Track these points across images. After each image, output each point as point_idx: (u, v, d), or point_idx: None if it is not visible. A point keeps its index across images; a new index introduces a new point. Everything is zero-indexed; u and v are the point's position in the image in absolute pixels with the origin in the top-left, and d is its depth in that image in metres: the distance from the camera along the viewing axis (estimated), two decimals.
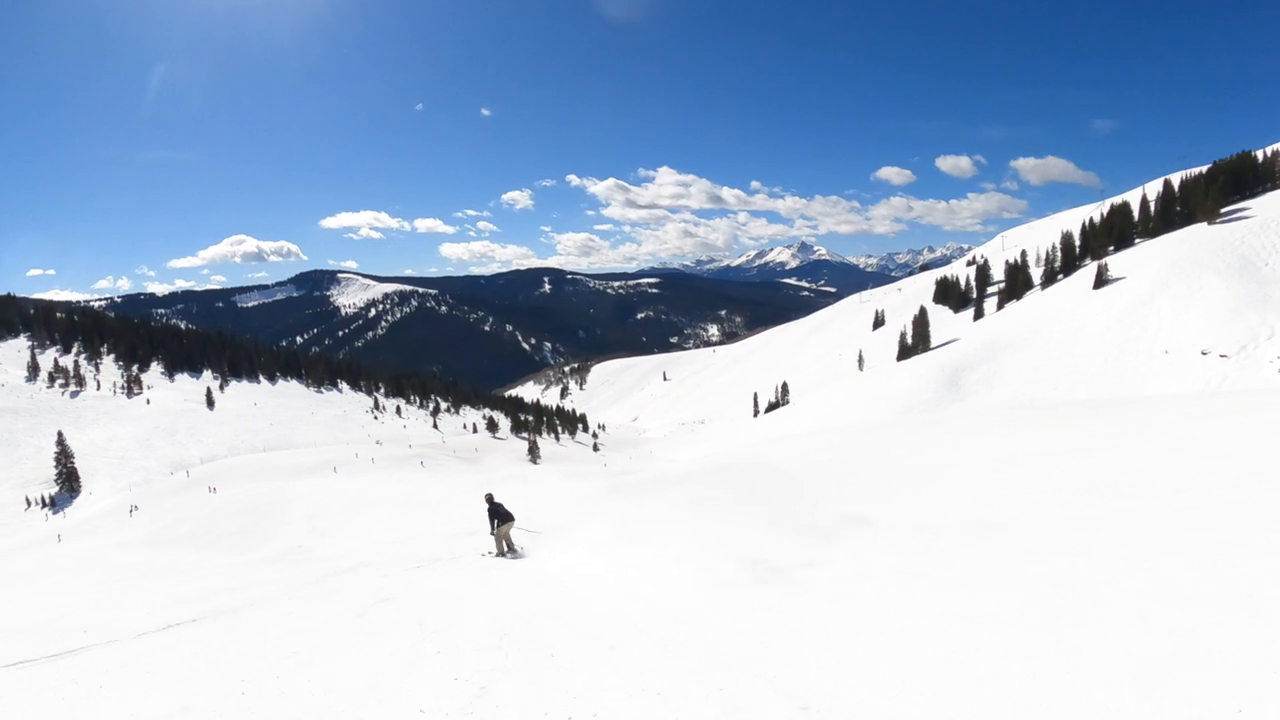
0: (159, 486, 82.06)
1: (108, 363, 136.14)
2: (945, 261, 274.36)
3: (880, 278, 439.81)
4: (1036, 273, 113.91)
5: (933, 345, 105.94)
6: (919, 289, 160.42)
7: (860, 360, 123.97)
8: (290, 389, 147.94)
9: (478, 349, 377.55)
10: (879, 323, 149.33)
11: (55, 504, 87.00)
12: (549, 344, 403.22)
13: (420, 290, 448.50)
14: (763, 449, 31.91)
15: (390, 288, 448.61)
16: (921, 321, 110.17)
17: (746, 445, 67.69)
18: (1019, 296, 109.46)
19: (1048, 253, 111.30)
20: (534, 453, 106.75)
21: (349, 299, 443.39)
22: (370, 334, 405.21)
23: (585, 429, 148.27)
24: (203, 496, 69.03)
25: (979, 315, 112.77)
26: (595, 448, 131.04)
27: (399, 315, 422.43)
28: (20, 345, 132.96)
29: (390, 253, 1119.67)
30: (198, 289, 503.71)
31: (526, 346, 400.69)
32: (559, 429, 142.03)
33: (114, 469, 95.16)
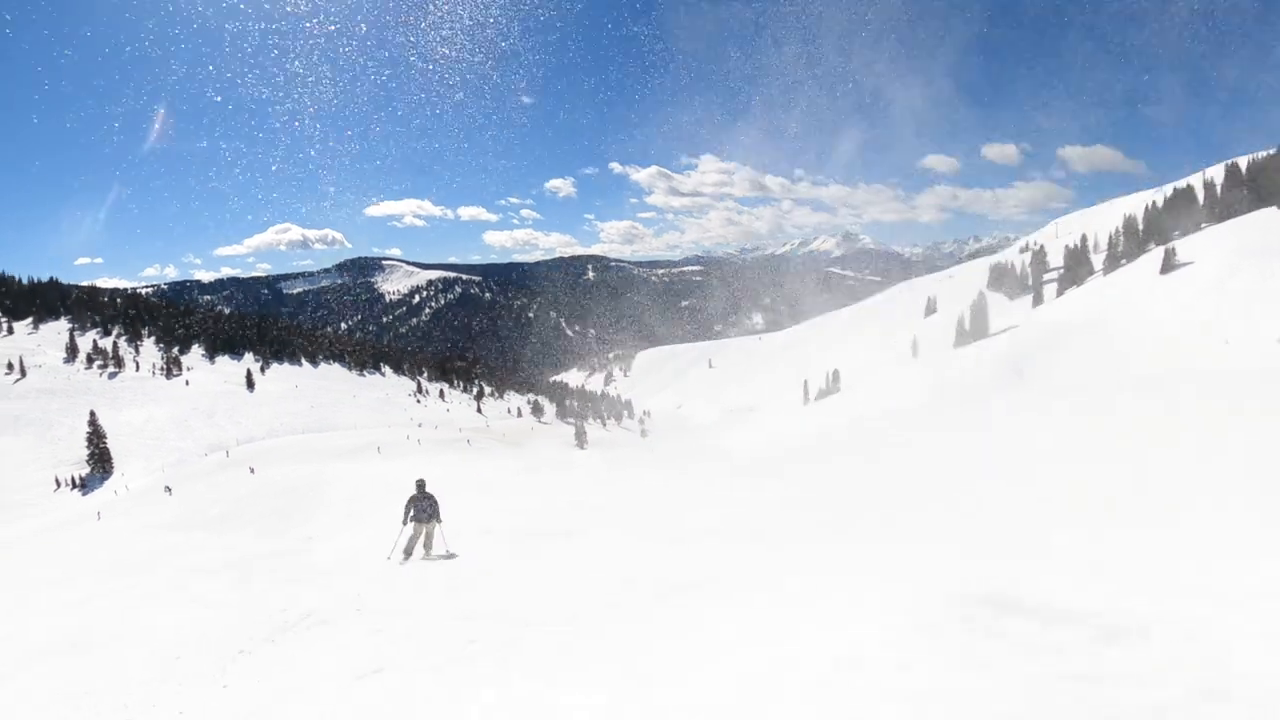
0: (193, 468, 79.19)
1: (148, 345, 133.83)
2: (992, 251, 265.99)
3: (926, 266, 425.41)
4: (1096, 259, 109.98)
5: (991, 332, 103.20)
6: (970, 276, 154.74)
7: (914, 347, 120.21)
8: (332, 372, 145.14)
9: (521, 335, 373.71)
10: (931, 309, 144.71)
11: (86, 485, 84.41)
12: (593, 330, 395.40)
13: (464, 277, 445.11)
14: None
15: (434, 274, 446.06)
16: (980, 307, 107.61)
17: (811, 433, 63.51)
18: (1080, 282, 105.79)
19: (1110, 236, 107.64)
20: (580, 438, 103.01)
21: (393, 286, 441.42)
22: (414, 320, 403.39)
23: (630, 415, 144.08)
24: (237, 478, 65.68)
25: (1038, 301, 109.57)
26: (642, 433, 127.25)
27: (443, 302, 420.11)
28: (61, 328, 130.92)
29: (434, 240, 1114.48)
30: (243, 276, 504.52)
31: (570, 333, 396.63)
32: (604, 415, 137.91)
33: (149, 450, 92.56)
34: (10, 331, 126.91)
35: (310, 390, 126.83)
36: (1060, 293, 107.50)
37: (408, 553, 13.98)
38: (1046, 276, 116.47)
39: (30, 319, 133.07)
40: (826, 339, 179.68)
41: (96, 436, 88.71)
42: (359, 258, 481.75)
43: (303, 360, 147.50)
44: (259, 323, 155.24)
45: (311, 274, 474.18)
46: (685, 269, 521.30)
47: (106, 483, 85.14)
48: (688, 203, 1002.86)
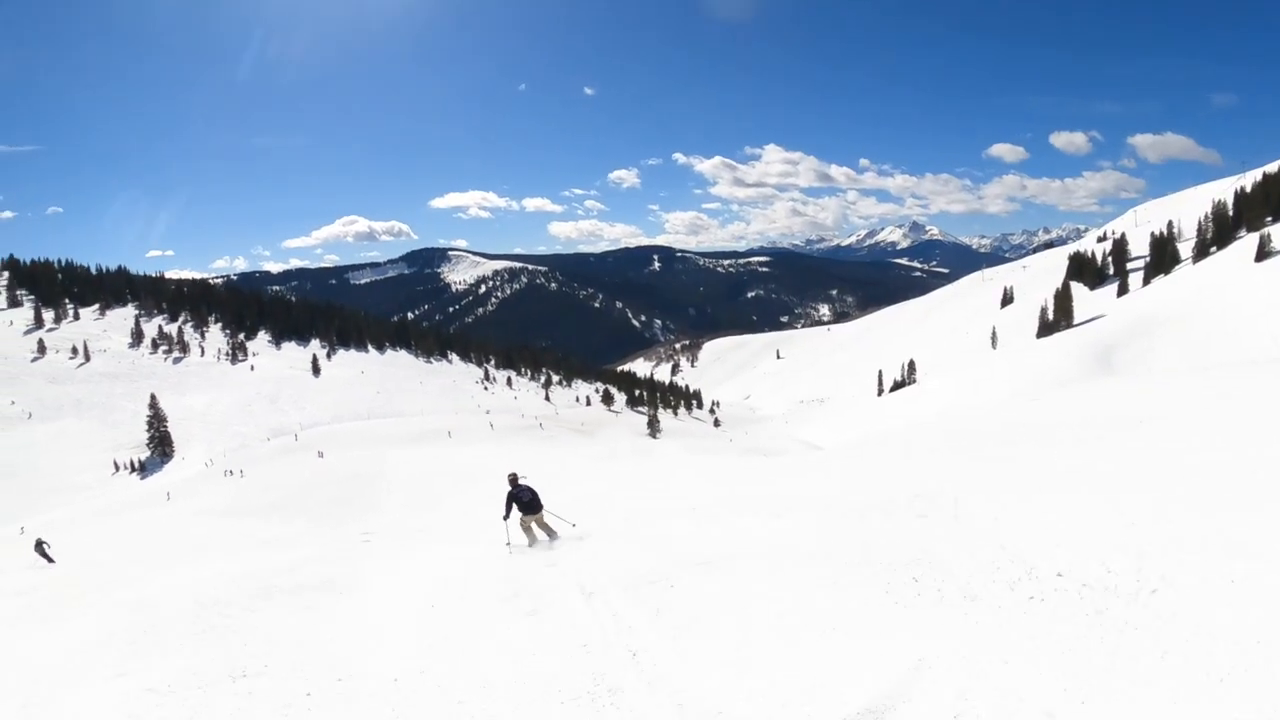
0: (253, 453, 76.80)
1: (214, 331, 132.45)
2: (1063, 242, 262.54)
3: (994, 258, 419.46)
4: (1182, 248, 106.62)
5: (1076, 322, 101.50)
6: (1045, 266, 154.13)
7: (994, 338, 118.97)
8: (399, 359, 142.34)
9: (587, 325, 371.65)
10: (1007, 300, 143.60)
11: (145, 468, 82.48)
12: (659, 321, 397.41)
13: (530, 267, 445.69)
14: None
15: (500, 265, 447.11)
16: (1064, 297, 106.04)
17: (901, 424, 58.29)
18: (1166, 271, 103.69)
19: (1200, 223, 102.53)
20: (653, 427, 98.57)
21: (459, 276, 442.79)
22: (480, 310, 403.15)
23: (700, 405, 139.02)
24: (297, 464, 62.98)
25: (1123, 291, 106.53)
26: (716, 423, 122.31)
27: (509, 292, 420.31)
28: (127, 314, 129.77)
29: (499, 232, 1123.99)
30: (311, 267, 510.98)
31: (636, 323, 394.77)
32: (674, 404, 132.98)
33: (211, 434, 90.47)
34: (76, 317, 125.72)
35: (376, 376, 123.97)
36: (1146, 282, 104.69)
37: (532, 540, 12.81)
38: (1130, 266, 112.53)
39: (97, 305, 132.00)
40: (897, 330, 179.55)
41: (157, 420, 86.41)
42: (425, 248, 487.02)
43: (369, 346, 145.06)
44: (325, 309, 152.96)
45: (378, 264, 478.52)
46: (751, 259, 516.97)
47: (166, 466, 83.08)
48: (752, 193, 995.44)
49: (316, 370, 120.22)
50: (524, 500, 12.87)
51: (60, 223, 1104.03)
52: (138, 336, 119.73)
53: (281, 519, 38.54)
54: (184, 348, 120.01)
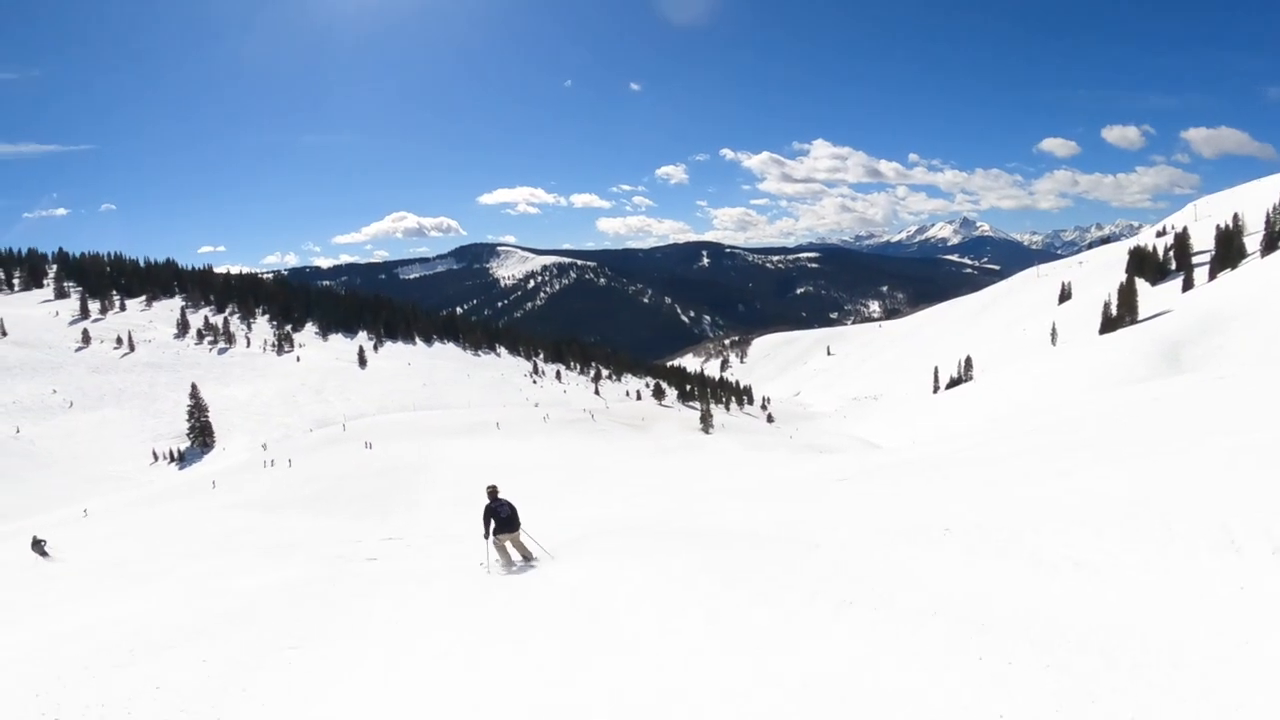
0: (297, 443, 74.58)
1: (260, 322, 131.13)
2: (1116, 238, 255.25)
3: (1046, 255, 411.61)
4: (1249, 242, 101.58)
5: (1140, 317, 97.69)
6: (1103, 262, 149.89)
7: (1054, 334, 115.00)
8: (446, 351, 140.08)
9: (636, 320, 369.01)
10: (1065, 296, 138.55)
11: (185, 458, 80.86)
12: (708, 317, 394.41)
13: (579, 262, 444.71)
14: None
15: (549, 260, 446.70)
16: (1129, 292, 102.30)
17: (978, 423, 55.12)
18: (1233, 265, 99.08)
19: (1268, 214, 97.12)
20: (706, 421, 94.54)
21: (508, 271, 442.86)
22: (529, 305, 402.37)
23: (751, 401, 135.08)
24: (339, 455, 60.35)
25: (1188, 286, 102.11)
26: (769, 419, 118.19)
27: (558, 287, 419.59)
28: (174, 305, 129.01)
29: (547, 228, 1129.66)
30: (361, 262, 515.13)
31: (685, 319, 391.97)
32: (725, 400, 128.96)
33: (254, 425, 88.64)
34: (122, 309, 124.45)
35: (423, 368, 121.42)
36: (1212, 276, 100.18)
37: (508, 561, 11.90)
38: (1195, 260, 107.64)
39: (144, 297, 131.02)
40: (951, 327, 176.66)
41: (198, 410, 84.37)
42: (474, 244, 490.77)
43: (416, 339, 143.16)
44: (373, 301, 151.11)
45: (427, 259, 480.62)
46: (800, 256, 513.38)
47: (207, 456, 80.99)
48: (801, 189, 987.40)
49: (363, 362, 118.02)
50: (502, 516, 11.87)
51: (113, 220, 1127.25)
52: (183, 327, 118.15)
53: (319, 512, 35.91)
54: (229, 338, 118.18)
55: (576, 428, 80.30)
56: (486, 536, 11.86)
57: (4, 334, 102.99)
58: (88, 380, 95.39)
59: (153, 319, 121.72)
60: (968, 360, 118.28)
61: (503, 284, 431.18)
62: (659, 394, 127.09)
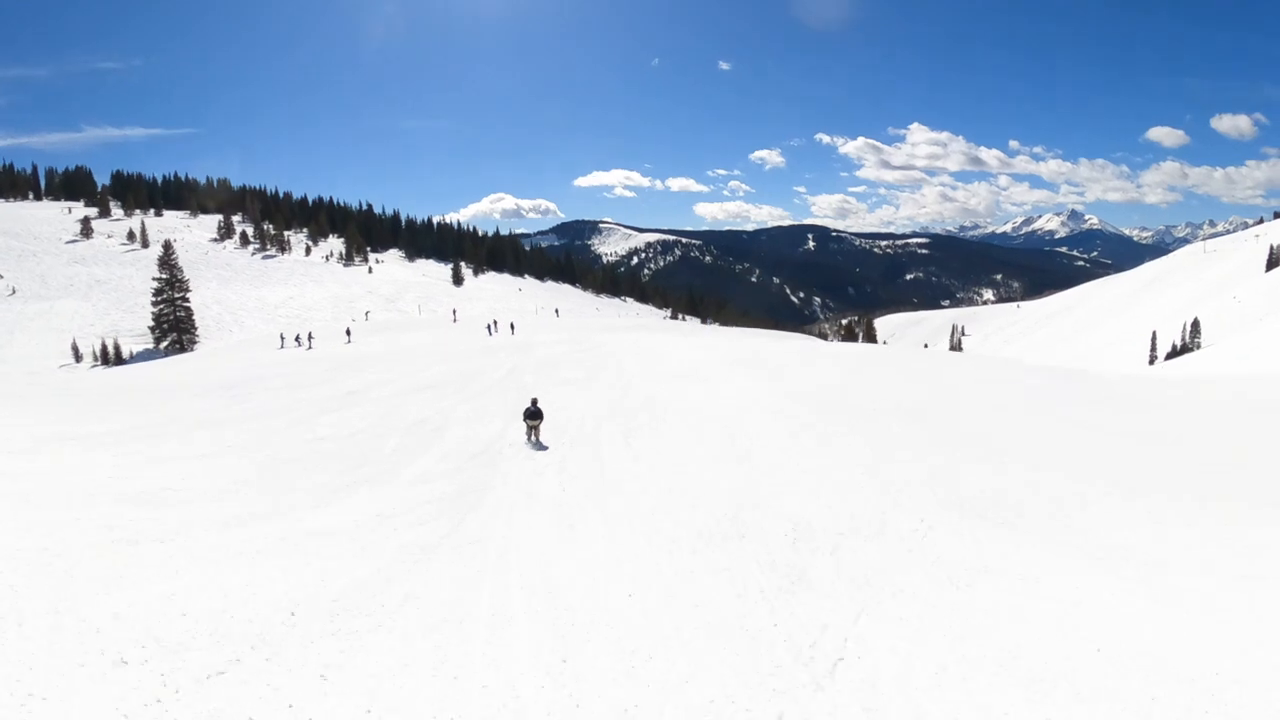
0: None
1: (332, 240, 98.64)
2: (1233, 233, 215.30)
3: (1158, 250, 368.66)
4: None
5: None
6: None
7: None
8: (563, 290, 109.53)
9: (745, 298, 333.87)
10: (1275, 262, 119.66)
11: (130, 360, 50.72)
12: (818, 299, 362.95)
13: (684, 240, 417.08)
14: None
15: (652, 237, 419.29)
16: None
17: None
18: None
19: None
20: None
21: (610, 248, 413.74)
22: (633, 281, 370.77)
23: None
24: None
25: None
26: None
27: (662, 264, 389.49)
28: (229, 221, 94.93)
29: (645, 211, 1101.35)
30: None
31: (795, 300, 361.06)
32: None
33: (273, 328, 54.21)
34: (159, 215, 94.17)
35: (539, 295, 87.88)
36: None
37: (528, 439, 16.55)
38: None
39: (188, 211, 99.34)
40: (1108, 306, 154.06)
41: (171, 304, 53.43)
42: (576, 221, 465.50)
43: (527, 275, 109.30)
44: (472, 233, 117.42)
45: (529, 236, 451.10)
46: (910, 241, 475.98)
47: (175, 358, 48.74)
48: (900, 176, 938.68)
49: (459, 279, 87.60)
50: (530, 410, 16.62)
51: None
52: (225, 231, 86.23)
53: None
54: (283, 247, 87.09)
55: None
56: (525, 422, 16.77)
57: None
58: (59, 270, 67.93)
59: (192, 225, 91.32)
60: (1194, 324, 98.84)
61: (605, 260, 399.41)
62: None
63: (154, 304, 54.37)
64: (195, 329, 55.87)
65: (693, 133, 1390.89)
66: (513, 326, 47.48)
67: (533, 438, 16.20)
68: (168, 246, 56.70)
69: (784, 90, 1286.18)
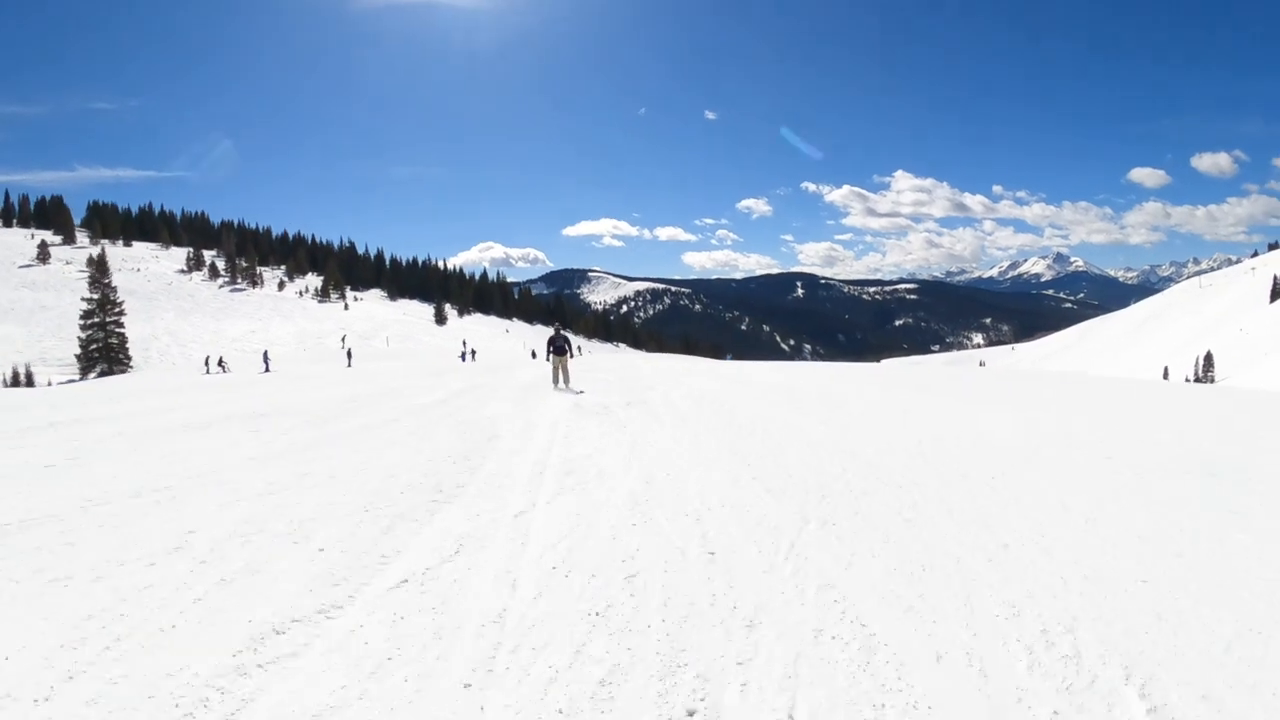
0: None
1: (310, 278, 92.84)
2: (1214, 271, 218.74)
3: (1144, 290, 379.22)
4: None
5: None
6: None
7: None
8: (551, 332, 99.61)
9: (736, 346, 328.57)
10: (1278, 293, 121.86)
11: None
12: (808, 345, 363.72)
13: (672, 289, 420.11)
14: None
15: (641, 286, 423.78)
16: None
17: None
18: None
19: None
20: None
21: (600, 296, 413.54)
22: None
23: None
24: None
25: None
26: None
27: (652, 312, 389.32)
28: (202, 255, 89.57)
29: (633, 260, 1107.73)
30: None
31: (785, 346, 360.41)
32: None
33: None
34: (128, 245, 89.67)
35: (526, 336, 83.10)
36: None
37: (554, 381, 16.23)
38: None
39: (160, 243, 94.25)
40: (1106, 344, 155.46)
41: (103, 330, 49.22)
42: (565, 269, 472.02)
43: (515, 318, 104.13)
44: (458, 275, 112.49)
45: (517, 284, 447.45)
46: (899, 287, 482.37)
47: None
48: (886, 224, 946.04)
49: (441, 319, 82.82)
50: (557, 345, 16.39)
51: None
52: (195, 264, 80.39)
53: None
54: (254, 281, 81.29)
55: None
56: (547, 358, 16.78)
57: None
58: (3, 294, 62.89)
59: (160, 256, 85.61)
60: (1208, 357, 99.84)
61: (594, 309, 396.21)
62: None
63: (82, 328, 48.57)
64: (129, 358, 50.08)
65: (680, 181, 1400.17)
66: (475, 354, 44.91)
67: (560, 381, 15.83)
68: (101, 265, 51.58)
69: (767, 139, 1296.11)
